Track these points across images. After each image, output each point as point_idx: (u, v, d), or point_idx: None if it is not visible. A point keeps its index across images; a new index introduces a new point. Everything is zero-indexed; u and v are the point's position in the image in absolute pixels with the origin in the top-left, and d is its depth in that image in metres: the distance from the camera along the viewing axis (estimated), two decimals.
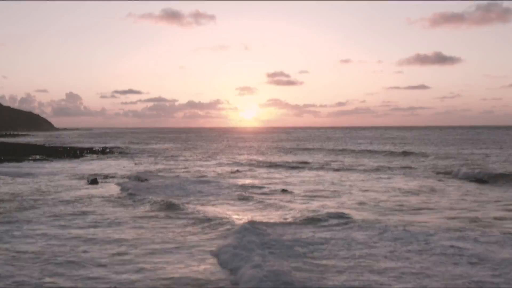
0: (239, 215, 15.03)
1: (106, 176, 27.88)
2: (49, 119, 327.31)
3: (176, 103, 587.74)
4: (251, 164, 37.39)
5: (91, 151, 56.12)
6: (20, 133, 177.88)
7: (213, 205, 17.38)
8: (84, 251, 10.75)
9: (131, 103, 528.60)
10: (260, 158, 45.34)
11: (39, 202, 17.94)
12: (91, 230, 13.05)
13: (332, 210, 15.36)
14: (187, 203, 17.53)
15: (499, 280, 8.29)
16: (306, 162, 38.40)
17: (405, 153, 47.23)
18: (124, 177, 27.01)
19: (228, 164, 37.58)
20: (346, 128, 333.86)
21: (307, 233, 12.22)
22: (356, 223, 13.12)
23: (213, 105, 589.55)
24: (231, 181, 25.26)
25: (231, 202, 18.09)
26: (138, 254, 10.60)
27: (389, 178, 26.38)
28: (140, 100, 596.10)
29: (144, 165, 37.65)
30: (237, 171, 31.70)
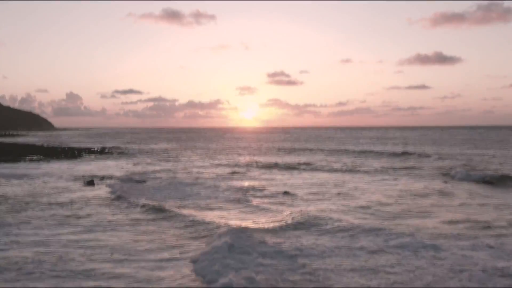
0: (232, 220, 14.33)
1: (103, 177, 27.27)
2: (49, 119, 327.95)
3: (176, 103, 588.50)
4: (251, 165, 36.69)
5: (89, 151, 55.54)
6: (19, 133, 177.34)
7: (206, 209, 16.64)
8: (71, 259, 10.11)
9: (131, 103, 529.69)
10: (261, 158, 44.67)
11: (31, 205, 17.44)
12: (84, 235, 12.43)
13: (336, 215, 14.71)
14: (179, 206, 16.84)
15: None
16: (308, 163, 37.74)
17: (408, 154, 46.59)
18: (118, 179, 26.22)
19: (227, 165, 36.90)
20: (347, 128, 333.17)
21: (306, 240, 11.54)
22: (360, 228, 12.41)
23: (213, 105, 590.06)
24: (230, 183, 24.56)
25: (227, 205, 17.33)
26: (113, 260, 10.22)
27: (394, 179, 25.68)
28: (140, 100, 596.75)
29: (142, 165, 37.01)
30: (237, 172, 31.04)
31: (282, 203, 17.63)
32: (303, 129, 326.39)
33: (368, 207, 16.52)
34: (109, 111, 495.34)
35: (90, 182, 24.60)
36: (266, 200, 18.57)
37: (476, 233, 12.16)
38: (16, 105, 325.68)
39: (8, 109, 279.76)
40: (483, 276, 8.53)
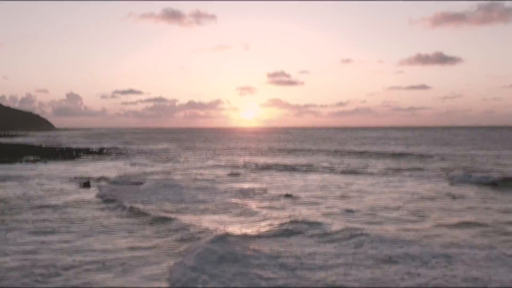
0: (223, 225, 13.55)
1: (99, 179, 26.58)
2: (50, 119, 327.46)
3: (177, 103, 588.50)
4: (251, 166, 35.97)
5: (87, 151, 54.92)
6: (19, 133, 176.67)
7: (199, 213, 15.79)
8: (56, 275, 9.38)
9: (132, 103, 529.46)
10: (261, 159, 43.99)
11: (23, 209, 16.82)
12: (73, 243, 11.72)
13: (339, 220, 14.04)
14: (169, 210, 16.13)
15: None
16: (309, 164, 37.04)
17: (411, 155, 45.97)
18: (110, 182, 25.33)
19: (227, 166, 36.15)
20: (347, 128, 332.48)
21: (306, 248, 10.79)
22: (365, 234, 11.58)
23: (214, 105, 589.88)
24: (229, 185, 23.81)
25: (222, 210, 16.47)
26: (83, 269, 9.57)
27: (399, 181, 25.00)
28: (140, 100, 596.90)
29: (140, 166, 36.32)
30: (237, 174, 30.32)
31: (283, 207, 16.91)
32: (303, 129, 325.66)
33: (373, 212, 15.77)
34: (109, 111, 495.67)
35: (86, 184, 23.94)
36: (266, 203, 17.83)
37: (490, 241, 11.43)
38: (16, 105, 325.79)
39: (7, 109, 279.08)
40: None
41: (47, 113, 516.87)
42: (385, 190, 21.38)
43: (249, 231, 12.70)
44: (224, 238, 11.17)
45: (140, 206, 16.63)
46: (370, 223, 13.97)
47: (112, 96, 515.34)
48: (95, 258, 10.35)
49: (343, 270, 9.14)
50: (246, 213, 15.66)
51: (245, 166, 36.36)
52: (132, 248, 11.18)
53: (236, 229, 12.96)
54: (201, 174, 30.13)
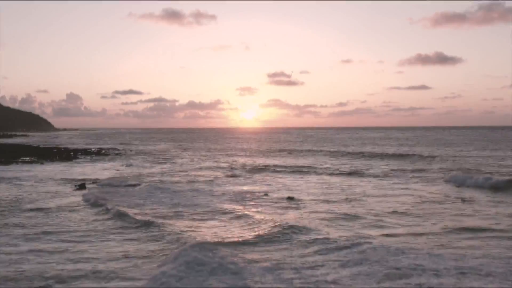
0: (216, 231, 12.78)
1: (95, 181, 25.83)
2: (50, 120, 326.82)
3: (177, 104, 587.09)
4: (251, 167, 35.16)
5: (85, 152, 54.25)
6: (18, 133, 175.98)
7: (191, 219, 14.80)
8: None
9: (132, 103, 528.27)
10: (262, 160, 43.25)
11: (14, 212, 16.18)
12: (60, 253, 11.00)
13: (344, 227, 13.29)
14: (159, 214, 15.37)
15: None
16: (311, 166, 36.29)
17: (413, 155, 45.28)
18: (103, 184, 24.43)
19: (227, 167, 35.38)
20: (347, 128, 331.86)
21: (307, 258, 9.96)
22: (370, 244, 10.66)
23: (214, 105, 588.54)
24: (227, 188, 22.95)
25: (216, 214, 15.50)
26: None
27: (403, 183, 24.26)
28: (140, 101, 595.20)
29: (137, 168, 35.60)
30: (236, 175, 29.58)
31: (285, 211, 16.16)
32: (303, 129, 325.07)
33: (379, 217, 14.94)
34: (109, 112, 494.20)
35: (82, 186, 23.22)
36: (267, 206, 17.09)
37: (508, 250, 10.62)
38: (16, 106, 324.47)
39: (7, 110, 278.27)
40: None
41: (47, 113, 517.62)
42: (390, 193, 20.64)
43: (247, 237, 11.94)
44: (214, 246, 10.44)
45: (127, 210, 15.78)
46: (376, 228, 13.24)
47: (112, 96, 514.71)
48: (70, 267, 9.66)
49: (347, 283, 8.37)
50: (244, 218, 14.74)
51: (245, 167, 35.55)
52: (110, 258, 10.44)
53: (232, 235, 12.25)
54: (199, 175, 29.37)
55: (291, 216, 14.96)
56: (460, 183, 23.89)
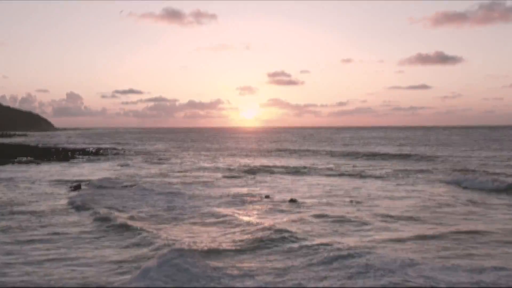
0: (209, 236, 12.06)
1: (87, 182, 25.04)
2: (50, 119, 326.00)
3: (177, 103, 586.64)
4: (252, 168, 34.38)
5: (83, 152, 53.57)
6: (17, 133, 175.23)
7: (186, 223, 13.97)
8: None
9: (132, 103, 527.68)
10: (262, 161, 42.51)
11: (6, 216, 15.43)
12: (49, 263, 10.30)
13: (350, 234, 12.56)
14: (146, 220, 14.58)
15: None
16: (312, 166, 35.53)
17: (416, 155, 44.61)
18: (95, 186, 23.61)
19: (227, 168, 34.59)
20: (347, 128, 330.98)
21: (306, 274, 9.10)
22: (377, 254, 9.79)
23: (214, 105, 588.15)
24: (227, 190, 22.10)
25: (214, 217, 14.74)
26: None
27: (409, 185, 23.52)
28: (140, 100, 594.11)
29: (134, 168, 34.88)
30: (236, 176, 28.83)
31: (287, 215, 15.40)
32: (304, 129, 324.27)
33: (387, 222, 14.15)
34: (109, 111, 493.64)
35: (77, 187, 22.54)
36: (266, 209, 16.36)
37: None
38: (16, 105, 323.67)
39: (7, 109, 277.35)
40: None
41: (47, 113, 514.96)
42: (396, 195, 19.91)
43: (244, 244, 11.21)
44: (194, 253, 9.75)
45: (113, 214, 14.99)
46: (383, 233, 12.51)
47: (112, 96, 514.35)
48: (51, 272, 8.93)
49: None
50: (242, 223, 13.85)
51: (245, 167, 34.78)
52: (88, 263, 9.85)
53: (227, 241, 11.53)
54: (197, 176, 28.60)
55: (294, 221, 14.23)
56: (467, 185, 23.16)
